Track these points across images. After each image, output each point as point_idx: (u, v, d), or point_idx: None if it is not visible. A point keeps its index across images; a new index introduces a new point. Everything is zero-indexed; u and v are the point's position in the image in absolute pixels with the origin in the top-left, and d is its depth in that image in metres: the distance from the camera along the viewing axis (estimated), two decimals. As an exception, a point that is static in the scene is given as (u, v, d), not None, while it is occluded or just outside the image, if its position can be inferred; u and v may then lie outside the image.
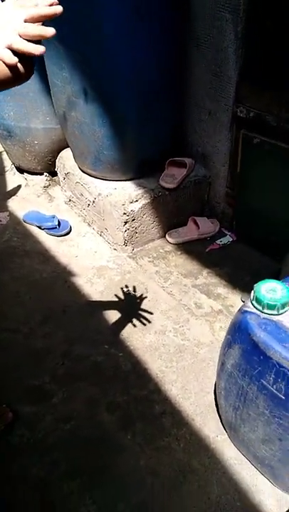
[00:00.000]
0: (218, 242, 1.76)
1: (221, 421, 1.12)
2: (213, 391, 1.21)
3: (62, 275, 1.64)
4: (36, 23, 0.55)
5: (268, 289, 0.87)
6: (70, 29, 1.28)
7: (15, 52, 0.53)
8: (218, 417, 1.14)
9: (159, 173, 1.73)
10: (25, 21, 0.55)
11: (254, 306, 0.87)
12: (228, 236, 1.79)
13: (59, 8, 0.55)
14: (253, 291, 0.89)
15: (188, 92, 1.65)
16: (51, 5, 0.58)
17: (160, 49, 1.40)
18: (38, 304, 1.51)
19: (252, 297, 0.89)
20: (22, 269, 1.66)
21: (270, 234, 1.61)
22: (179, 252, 1.72)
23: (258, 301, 0.86)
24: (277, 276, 1.51)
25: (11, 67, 0.53)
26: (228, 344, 0.90)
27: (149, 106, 1.48)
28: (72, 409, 1.19)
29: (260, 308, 0.86)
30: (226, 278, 1.58)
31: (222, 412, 1.07)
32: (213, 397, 1.19)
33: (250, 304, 0.89)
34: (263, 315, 0.85)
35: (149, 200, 1.63)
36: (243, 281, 1.56)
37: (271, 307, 0.85)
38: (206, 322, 1.42)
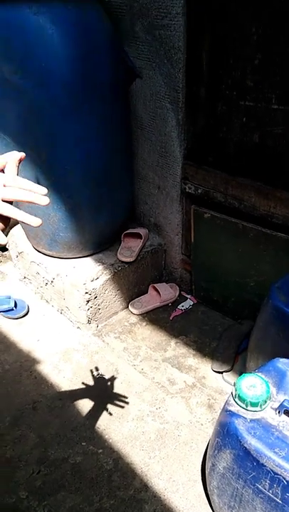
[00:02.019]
0: (180, 307, 1.79)
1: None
2: (200, 479, 1.18)
3: (26, 364, 1.55)
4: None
5: (248, 385, 0.90)
6: (18, 121, 1.29)
7: None
8: (210, 507, 1.11)
9: (116, 245, 1.74)
10: (5, 186, 0.58)
11: (237, 404, 0.89)
12: (188, 300, 1.83)
13: (40, 198, 0.59)
14: (234, 388, 0.91)
15: (137, 170, 1.71)
16: (20, 160, 0.61)
17: (107, 136, 1.44)
18: (5, 403, 1.40)
19: (234, 395, 0.90)
20: (-20, 363, 1.55)
21: (227, 296, 1.67)
22: (144, 323, 1.72)
23: (241, 399, 0.88)
24: (241, 337, 1.56)
25: None
26: (217, 447, 0.90)
27: (102, 188, 1.51)
28: (56, 527, 1.10)
29: (243, 406, 0.88)
30: (193, 347, 1.60)
31: (216, 507, 1.04)
32: (202, 485, 1.17)
33: (233, 401, 0.90)
34: (248, 414, 0.86)
35: (109, 276, 1.63)
36: (210, 348, 1.58)
37: (254, 405, 0.87)
38: (181, 399, 1.40)
